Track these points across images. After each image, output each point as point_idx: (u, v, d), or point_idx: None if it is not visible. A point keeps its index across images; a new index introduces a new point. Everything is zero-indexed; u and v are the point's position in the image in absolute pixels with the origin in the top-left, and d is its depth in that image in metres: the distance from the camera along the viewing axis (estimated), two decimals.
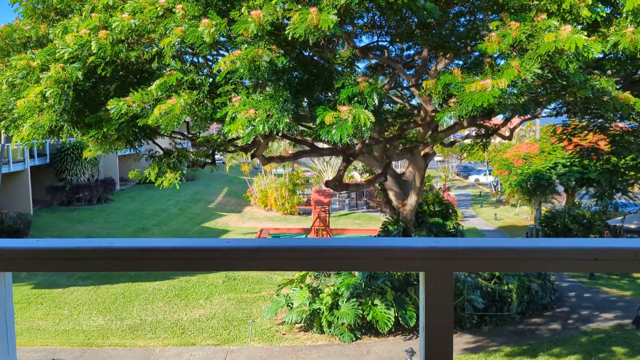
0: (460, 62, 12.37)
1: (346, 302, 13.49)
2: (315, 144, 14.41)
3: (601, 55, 9.83)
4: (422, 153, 14.65)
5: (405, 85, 15.27)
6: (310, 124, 11.61)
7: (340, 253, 1.04)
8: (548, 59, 7.27)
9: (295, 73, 8.29)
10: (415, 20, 10.36)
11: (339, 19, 6.99)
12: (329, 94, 8.74)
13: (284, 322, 14.00)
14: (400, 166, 34.43)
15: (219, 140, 12.89)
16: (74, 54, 7.75)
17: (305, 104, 8.69)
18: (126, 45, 7.91)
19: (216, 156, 15.28)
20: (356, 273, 13.92)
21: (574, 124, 19.89)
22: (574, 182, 24.98)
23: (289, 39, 7.02)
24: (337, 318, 13.24)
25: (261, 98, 7.40)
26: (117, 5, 8.41)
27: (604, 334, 13.67)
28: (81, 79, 7.75)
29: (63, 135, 9.73)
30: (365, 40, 24.33)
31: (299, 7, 7.11)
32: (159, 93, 7.51)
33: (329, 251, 1.05)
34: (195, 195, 36.31)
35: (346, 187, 15.01)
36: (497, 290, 14.38)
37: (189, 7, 7.53)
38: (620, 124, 19.65)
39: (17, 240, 1.10)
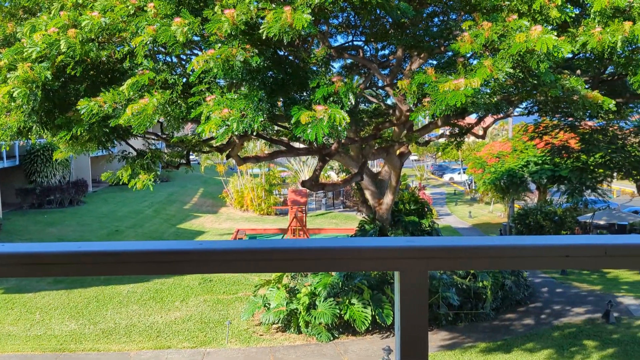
0: (435, 62, 12.50)
1: (323, 301, 13.50)
2: (292, 143, 14.38)
3: (570, 55, 10.04)
4: (398, 152, 14.76)
5: (380, 84, 15.36)
6: (286, 124, 11.59)
7: (314, 254, 1.03)
8: (519, 58, 7.40)
9: (270, 72, 8.25)
10: (390, 20, 10.43)
11: (313, 18, 6.99)
12: (304, 94, 8.72)
13: (261, 323, 13.94)
14: (376, 165, 34.64)
15: (193, 141, 12.76)
16: (42, 53, 7.57)
17: (280, 104, 8.66)
18: (97, 44, 7.76)
19: (191, 157, 15.12)
20: (333, 272, 13.95)
21: (545, 122, 20.34)
22: (545, 180, 25.48)
23: (264, 38, 6.98)
24: (315, 318, 13.24)
25: (235, 97, 7.34)
26: (87, 3, 8.25)
27: (575, 328, 13.98)
28: (50, 78, 7.58)
29: (32, 136, 9.51)
30: (340, 40, 24.41)
31: (273, 6, 7.08)
32: (131, 93, 7.39)
33: (303, 252, 1.04)
34: (170, 197, 35.89)
35: (322, 187, 15.02)
36: (472, 287, 14.58)
37: (161, 5, 7.43)
38: (590, 123, 20.15)
39: None
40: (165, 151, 14.13)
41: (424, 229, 15.94)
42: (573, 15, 8.62)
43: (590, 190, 22.01)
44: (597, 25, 7.86)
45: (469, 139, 34.10)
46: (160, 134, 13.00)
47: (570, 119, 18.72)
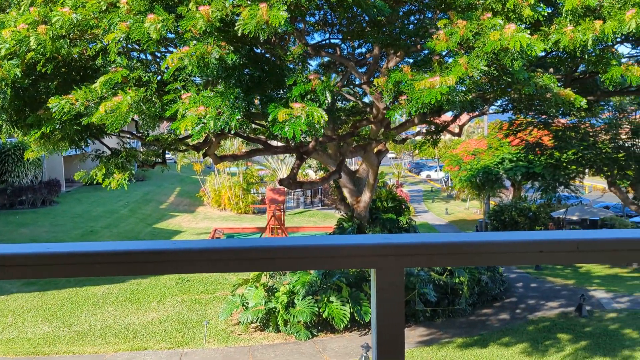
0: (411, 60, 12.58)
1: (302, 300, 13.49)
2: (269, 142, 14.32)
3: (543, 54, 10.21)
4: (375, 150, 14.82)
5: (357, 82, 15.40)
6: (263, 122, 11.53)
7: (291, 253, 1.02)
8: (494, 56, 7.49)
9: (247, 70, 8.19)
10: (366, 18, 10.45)
11: (289, 16, 6.95)
12: (281, 92, 8.69)
13: (240, 322, 13.87)
14: (354, 163, 34.74)
15: (169, 139, 12.61)
16: (11, 49, 7.38)
17: (257, 102, 8.61)
18: (68, 41, 7.60)
19: (167, 155, 14.95)
20: (311, 271, 13.95)
21: (519, 120, 20.65)
22: (520, 177, 25.92)
23: (239, 35, 6.93)
24: (293, 316, 13.22)
25: (212, 95, 7.27)
26: None
27: (549, 322, 14.25)
28: (20, 76, 7.40)
29: (2, 135, 9.28)
30: (317, 38, 24.38)
31: (249, 2, 7.02)
32: (104, 90, 7.25)
33: (280, 251, 1.02)
34: (146, 196, 35.41)
35: (300, 185, 15.01)
36: (449, 283, 14.75)
37: (134, 1, 7.31)
38: (562, 120, 20.54)
39: None
40: (141, 150, 13.93)
41: (402, 226, 16.05)
42: (545, 14, 8.77)
43: (563, 186, 22.44)
44: (568, 24, 8.01)
45: (445, 137, 34.48)
46: (135, 132, 12.81)
47: (543, 116, 19.06)
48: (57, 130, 8.25)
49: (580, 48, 7.83)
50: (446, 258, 1.04)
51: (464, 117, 15.82)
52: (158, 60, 10.38)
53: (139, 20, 7.01)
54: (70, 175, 31.76)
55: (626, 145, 21.08)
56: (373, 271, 0.99)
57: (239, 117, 7.20)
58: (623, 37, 8.96)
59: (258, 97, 8.49)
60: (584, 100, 8.86)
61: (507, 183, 29.38)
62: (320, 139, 11.96)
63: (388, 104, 9.93)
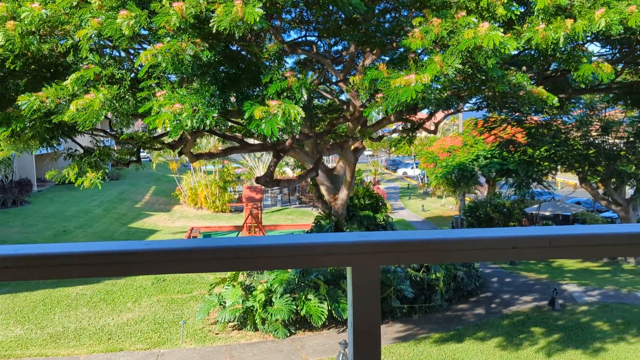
0: (387, 58, 12.64)
1: (280, 298, 13.47)
2: (246, 139, 14.24)
3: (516, 52, 10.37)
4: (352, 147, 14.86)
5: (334, 80, 15.41)
6: (240, 120, 11.46)
7: (266, 251, 1.01)
8: (468, 54, 7.57)
9: (222, 67, 8.12)
10: (342, 15, 10.46)
11: (265, 13, 6.91)
12: (257, 89, 8.64)
13: (217, 321, 13.77)
14: (331, 161, 34.80)
15: (144, 138, 12.44)
16: None
17: (233, 99, 8.54)
18: (38, 37, 7.42)
19: (142, 154, 14.74)
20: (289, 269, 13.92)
21: (493, 117, 20.96)
22: (494, 173, 26.33)
23: (214, 32, 6.86)
24: (271, 315, 13.19)
25: (187, 92, 7.19)
26: None
27: (523, 316, 14.51)
28: None
29: None
30: (293, 35, 24.30)
31: None
32: (76, 88, 7.10)
33: (254, 250, 1.01)
34: (120, 195, 34.87)
35: (277, 183, 14.95)
36: (425, 279, 14.89)
37: None
38: (535, 118, 20.92)
39: None
40: (115, 148, 13.70)
41: (379, 223, 16.14)
42: (518, 13, 8.90)
43: (536, 182, 22.86)
44: (541, 23, 8.15)
45: (421, 134, 34.79)
46: (108, 130, 12.60)
47: (517, 114, 19.38)
48: (27, 129, 8.06)
49: (552, 46, 7.98)
50: (422, 255, 1.04)
51: (440, 114, 15.98)
52: (132, 57, 10.22)
53: (111, 17, 6.88)
54: (42, 174, 31.11)
55: (596, 142, 21.59)
56: (349, 269, 0.99)
57: (215, 114, 7.13)
58: (593, 35, 9.15)
59: (234, 95, 8.43)
60: (556, 99, 9.02)
61: (482, 180, 29.82)
62: (297, 136, 11.94)
63: (364, 101, 9.96)
